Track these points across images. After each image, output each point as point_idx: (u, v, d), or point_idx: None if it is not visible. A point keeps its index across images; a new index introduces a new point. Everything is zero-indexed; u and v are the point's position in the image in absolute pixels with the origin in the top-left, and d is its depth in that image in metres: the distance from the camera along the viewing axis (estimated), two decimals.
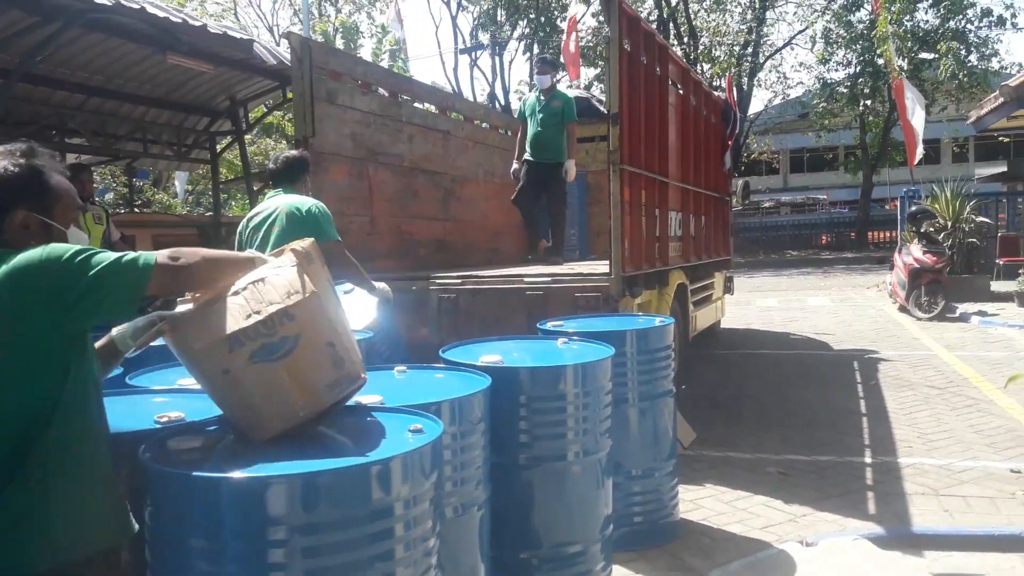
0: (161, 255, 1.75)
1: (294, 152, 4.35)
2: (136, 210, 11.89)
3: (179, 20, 6.17)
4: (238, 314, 1.85)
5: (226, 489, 1.64)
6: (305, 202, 4.08)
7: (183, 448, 1.87)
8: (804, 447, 5.08)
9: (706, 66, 25.72)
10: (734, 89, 9.00)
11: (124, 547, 1.77)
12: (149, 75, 8.28)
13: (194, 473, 1.67)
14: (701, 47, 26.40)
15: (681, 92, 6.85)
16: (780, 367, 7.75)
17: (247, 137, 11.04)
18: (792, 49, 31.79)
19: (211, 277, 1.87)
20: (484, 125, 8.46)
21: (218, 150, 10.14)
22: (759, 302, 13.60)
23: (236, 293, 1.88)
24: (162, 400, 2.42)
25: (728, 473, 4.64)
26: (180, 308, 1.96)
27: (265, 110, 10.46)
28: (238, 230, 4.32)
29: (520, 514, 2.88)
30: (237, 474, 1.65)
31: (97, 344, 1.94)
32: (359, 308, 3.59)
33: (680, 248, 6.79)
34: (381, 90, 6.64)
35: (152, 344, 1.96)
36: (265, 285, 1.89)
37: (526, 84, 26.00)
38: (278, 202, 4.11)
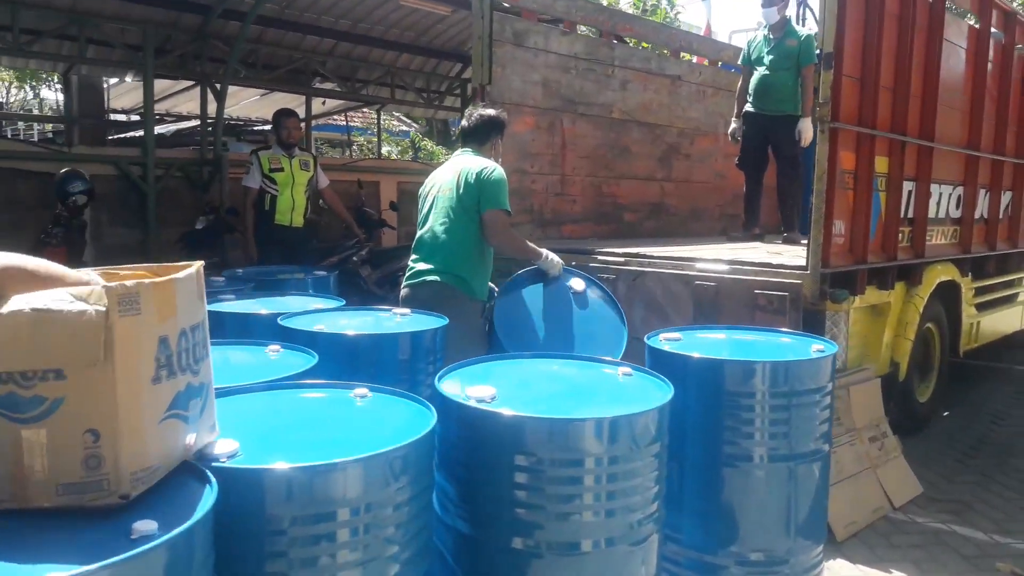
0: None
1: (490, 111, 3.94)
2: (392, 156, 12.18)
3: None
4: None
5: None
6: (480, 164, 3.68)
7: None
8: None
9: None
10: None
11: None
12: (394, 19, 8.22)
13: None
14: None
15: (977, 26, 5.14)
16: None
17: None
18: None
19: None
20: (728, 68, 7.21)
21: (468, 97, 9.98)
22: None
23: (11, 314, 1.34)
24: None
25: (938, 558, 3.35)
26: None
27: None
28: (423, 185, 4.01)
29: None
30: None
31: None
32: None
33: (955, 234, 5.19)
34: (586, 29, 5.84)
35: None
36: (51, 322, 1.31)
37: None
38: (458, 163, 3.77)
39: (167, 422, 1.47)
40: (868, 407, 4.09)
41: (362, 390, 2.08)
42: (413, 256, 3.80)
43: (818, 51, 3.73)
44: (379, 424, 1.93)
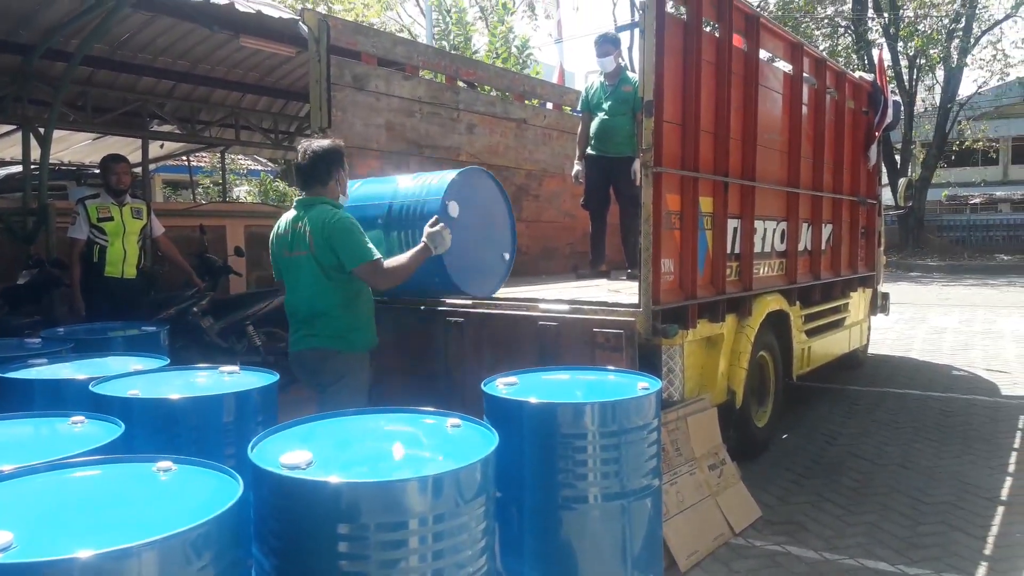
0: None
1: (324, 142, 3.61)
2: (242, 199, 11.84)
3: (224, 2, 5.67)
4: None
5: None
6: (323, 217, 3.45)
7: None
8: (895, 547, 3.79)
9: (910, 43, 22.78)
10: (887, 70, 7.39)
11: None
12: (237, 60, 8.00)
13: None
14: (904, 20, 23.36)
15: (791, 73, 5.54)
16: (918, 416, 6.23)
17: None
18: (1015, 23, 27.56)
19: None
20: (573, 111, 7.46)
21: None
22: (935, 320, 11.58)
23: None
24: None
25: None
26: None
27: None
28: (270, 242, 3.75)
29: None
30: None
31: None
32: None
33: (781, 266, 5.52)
34: (430, 73, 5.89)
35: None
36: None
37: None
38: (303, 220, 3.50)
39: None
40: (706, 436, 4.24)
41: (165, 463, 1.96)
42: (291, 323, 3.73)
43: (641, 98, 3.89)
44: (180, 501, 1.81)
